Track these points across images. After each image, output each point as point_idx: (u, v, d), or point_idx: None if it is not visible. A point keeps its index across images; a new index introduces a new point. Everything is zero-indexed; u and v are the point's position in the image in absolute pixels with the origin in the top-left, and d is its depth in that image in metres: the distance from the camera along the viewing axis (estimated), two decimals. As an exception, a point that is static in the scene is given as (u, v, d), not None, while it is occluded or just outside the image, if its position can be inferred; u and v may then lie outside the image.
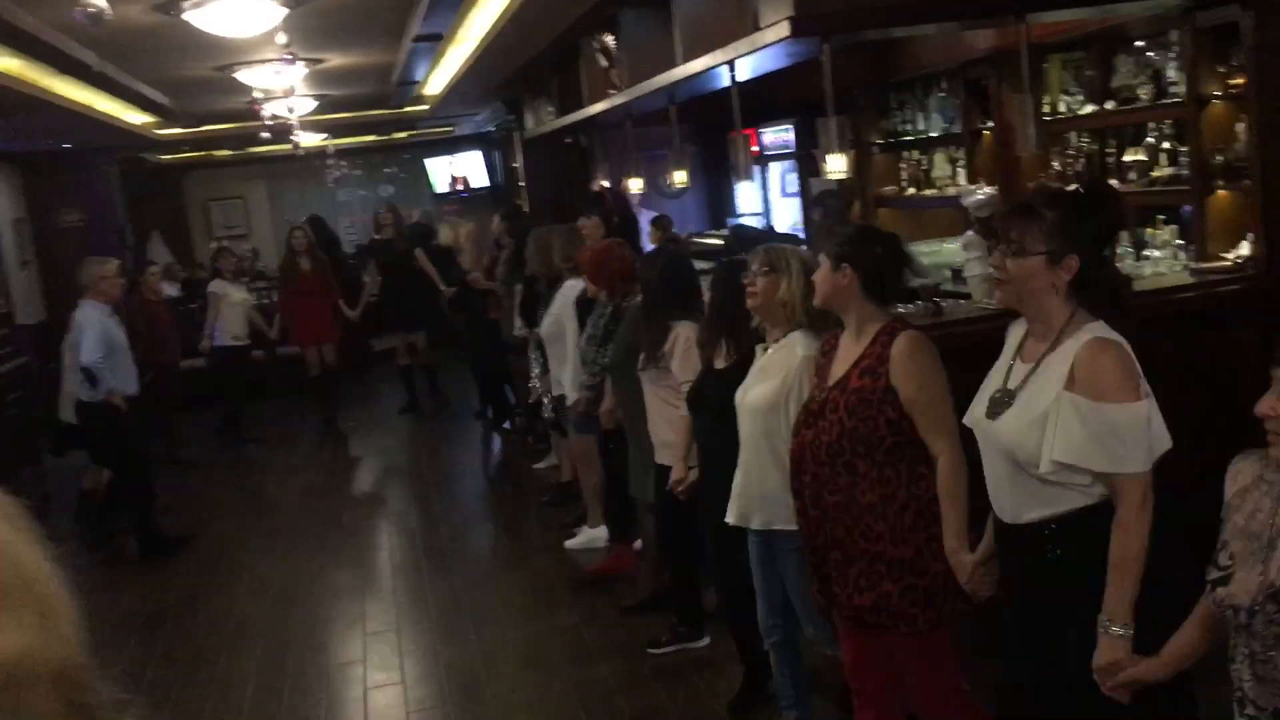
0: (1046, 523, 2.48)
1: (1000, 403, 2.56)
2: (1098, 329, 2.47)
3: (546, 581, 5.79)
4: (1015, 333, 2.66)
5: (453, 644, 5.12)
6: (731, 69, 5.46)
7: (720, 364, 3.84)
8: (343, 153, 15.85)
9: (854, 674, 3.25)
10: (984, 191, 5.19)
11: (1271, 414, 1.98)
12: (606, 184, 8.66)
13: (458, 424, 9.92)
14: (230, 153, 15.51)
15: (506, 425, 9.07)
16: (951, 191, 7.54)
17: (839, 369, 3.07)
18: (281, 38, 6.22)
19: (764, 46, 4.67)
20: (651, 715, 4.27)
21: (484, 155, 16.13)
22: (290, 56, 6.22)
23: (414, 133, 15.93)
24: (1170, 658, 2.28)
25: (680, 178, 6.88)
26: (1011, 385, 2.55)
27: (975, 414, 2.65)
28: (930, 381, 2.95)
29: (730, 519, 3.57)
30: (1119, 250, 5.71)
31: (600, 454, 5.60)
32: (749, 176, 5.73)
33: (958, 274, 6.59)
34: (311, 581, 6.22)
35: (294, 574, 6.33)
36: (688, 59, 5.81)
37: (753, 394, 3.46)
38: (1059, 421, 2.39)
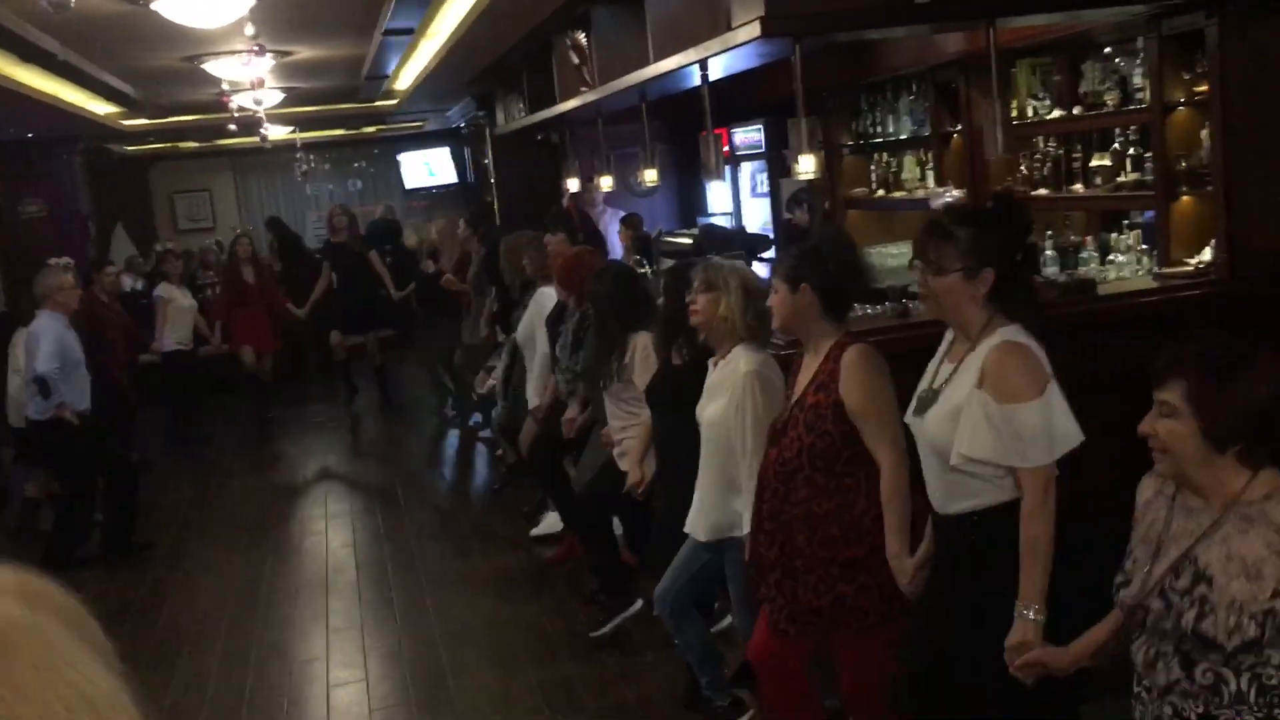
0: (971, 514, 2.66)
1: (926, 400, 2.75)
2: (1010, 332, 2.64)
3: (510, 576, 5.78)
4: (948, 335, 2.84)
5: (416, 640, 5.10)
6: (703, 68, 5.47)
7: (676, 360, 4.02)
8: (311, 146, 15.73)
9: (761, 662, 3.38)
10: (952, 194, 5.23)
11: (1151, 434, 2.15)
12: (573, 190, 8.66)
13: (422, 421, 9.89)
14: (197, 144, 15.34)
15: (473, 422, 9.05)
16: (920, 194, 7.59)
17: (800, 387, 3.20)
18: (249, 29, 6.15)
19: (735, 46, 4.67)
20: (617, 714, 4.27)
21: (452, 151, 16.08)
22: (258, 48, 6.16)
23: (383, 127, 15.84)
24: (1077, 651, 2.43)
25: (651, 176, 6.89)
26: (936, 385, 2.74)
27: (909, 412, 2.84)
28: (874, 391, 3.06)
29: (687, 528, 3.72)
30: (1084, 255, 5.80)
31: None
32: (720, 176, 5.76)
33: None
34: (273, 578, 6.17)
35: (256, 571, 6.28)
36: (659, 58, 5.81)
37: (708, 412, 3.59)
38: (968, 418, 2.59)
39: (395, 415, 10.08)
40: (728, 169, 9.44)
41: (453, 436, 9.35)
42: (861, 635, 3.16)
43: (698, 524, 3.69)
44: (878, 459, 3.05)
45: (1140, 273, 5.42)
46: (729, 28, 4.83)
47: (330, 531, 6.99)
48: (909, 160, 7.88)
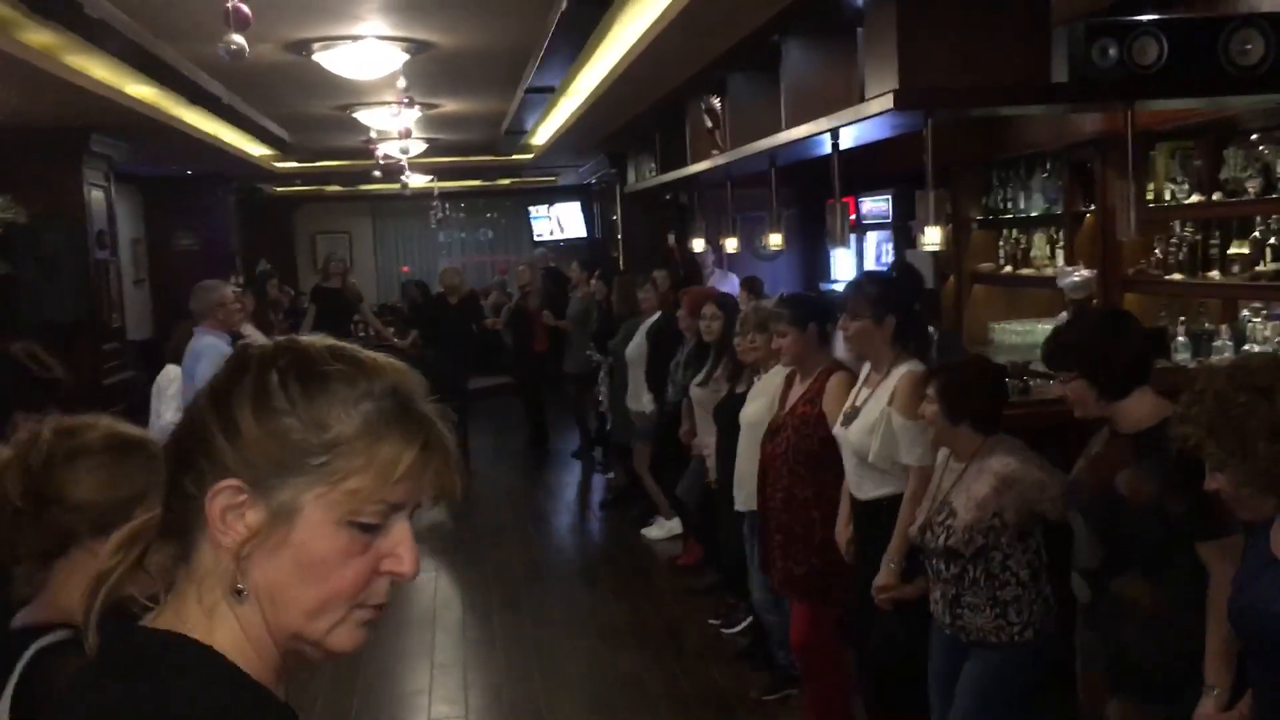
0: (880, 499, 3.67)
1: (850, 416, 3.77)
2: (914, 365, 3.64)
3: (614, 626, 5.83)
4: (866, 368, 3.84)
5: (518, 682, 5.18)
6: (834, 137, 5.54)
7: (740, 388, 4.99)
8: (448, 195, 16.30)
9: (799, 638, 4.22)
10: (1081, 274, 5.17)
11: (925, 417, 3.30)
12: (698, 250, 8.92)
13: (548, 460, 10.12)
14: (340, 189, 16.02)
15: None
16: (1049, 272, 7.48)
17: (792, 399, 4.16)
18: (402, 82, 6.48)
19: (867, 117, 4.74)
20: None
21: (582, 206, 16.48)
22: (408, 100, 6.47)
23: (517, 180, 16.31)
24: (920, 584, 3.42)
25: (776, 240, 6.97)
26: (858, 404, 3.75)
27: (837, 424, 3.83)
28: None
29: (738, 504, 4.69)
30: (1217, 344, 5.66)
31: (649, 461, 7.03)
32: (845, 243, 5.79)
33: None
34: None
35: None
36: (792, 124, 5.91)
37: (747, 411, 4.61)
38: (881, 427, 3.56)
39: (508, 455, 10.30)
40: (853, 237, 9.47)
41: (565, 476, 9.56)
42: (827, 606, 4.03)
43: (739, 498, 4.62)
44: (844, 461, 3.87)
45: (1277, 364, 5.25)
46: (863, 99, 4.90)
47: (439, 568, 7.14)
48: (1039, 238, 7.79)
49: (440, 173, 14.13)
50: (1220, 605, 2.54)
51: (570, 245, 16.35)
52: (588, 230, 16.40)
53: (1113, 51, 4.41)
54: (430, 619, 6.17)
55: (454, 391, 10.47)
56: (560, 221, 16.87)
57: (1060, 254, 7.41)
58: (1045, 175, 7.52)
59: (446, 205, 17.14)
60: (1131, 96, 4.55)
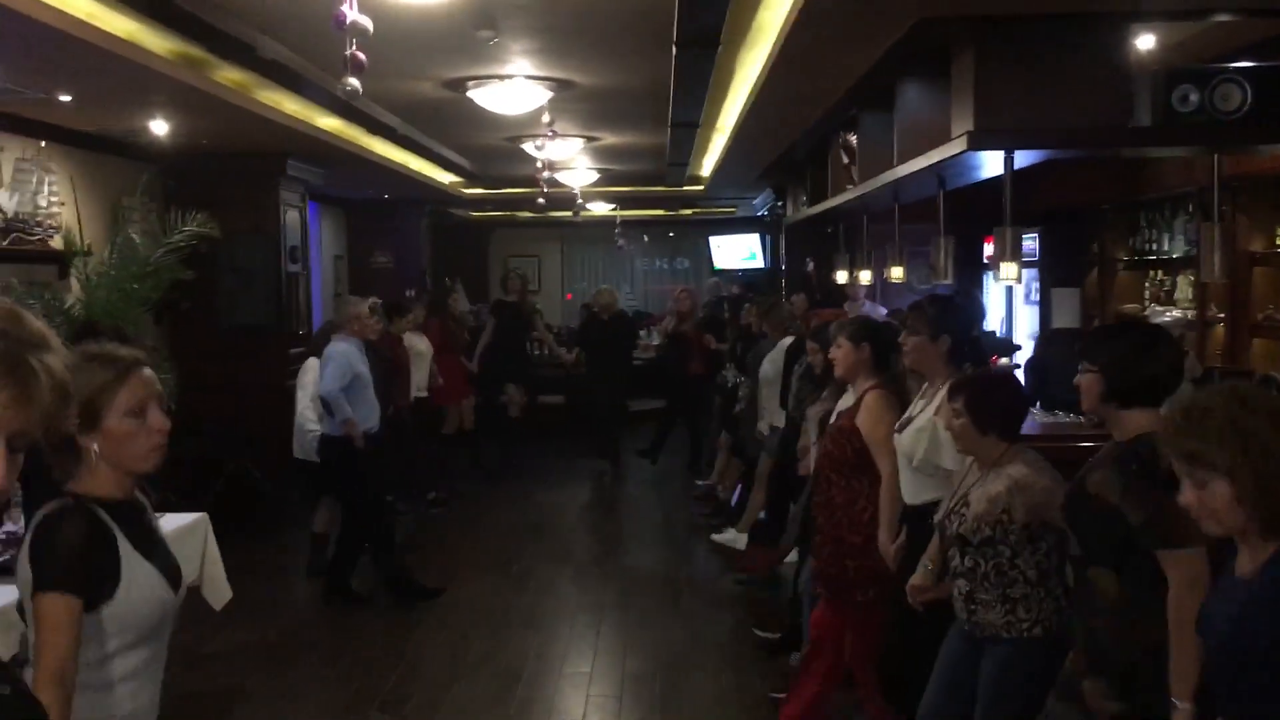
0: (928, 504, 3.83)
1: (905, 424, 4.06)
2: None
3: (734, 639, 6.15)
4: (925, 385, 4.13)
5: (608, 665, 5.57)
6: (939, 175, 5.72)
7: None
8: (631, 224, 16.96)
9: (815, 628, 4.51)
10: (1172, 314, 5.16)
11: (950, 428, 3.53)
12: (841, 280, 9.13)
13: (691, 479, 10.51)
14: (530, 215, 16.89)
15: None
16: (1192, 314, 7.35)
17: (839, 411, 4.52)
18: (546, 117, 7.02)
19: (951, 157, 4.93)
20: None
21: (761, 237, 16.82)
22: (551, 133, 7.00)
23: (697, 210, 16.78)
24: (945, 586, 3.58)
25: (897, 273, 7.14)
26: (913, 415, 4.04)
27: (894, 434, 4.10)
28: (879, 424, 4.20)
29: None
30: None
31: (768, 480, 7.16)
32: (946, 277, 5.95)
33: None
34: (530, 607, 6.84)
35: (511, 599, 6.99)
36: (902, 162, 6.12)
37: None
38: (927, 435, 3.86)
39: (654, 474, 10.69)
40: (988, 274, 9.46)
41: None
42: (862, 608, 4.25)
43: None
44: (880, 471, 4.15)
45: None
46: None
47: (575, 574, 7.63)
48: (1182, 279, 7.65)
49: (619, 201, 14.74)
50: (1178, 618, 2.63)
51: (747, 276, 16.72)
52: (764, 261, 16.72)
53: (1194, 97, 4.48)
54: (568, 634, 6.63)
55: (609, 406, 10.97)
56: (738, 252, 17.26)
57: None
58: (1186, 217, 7.40)
59: (644, 235, 17.88)
60: (1214, 142, 4.59)
